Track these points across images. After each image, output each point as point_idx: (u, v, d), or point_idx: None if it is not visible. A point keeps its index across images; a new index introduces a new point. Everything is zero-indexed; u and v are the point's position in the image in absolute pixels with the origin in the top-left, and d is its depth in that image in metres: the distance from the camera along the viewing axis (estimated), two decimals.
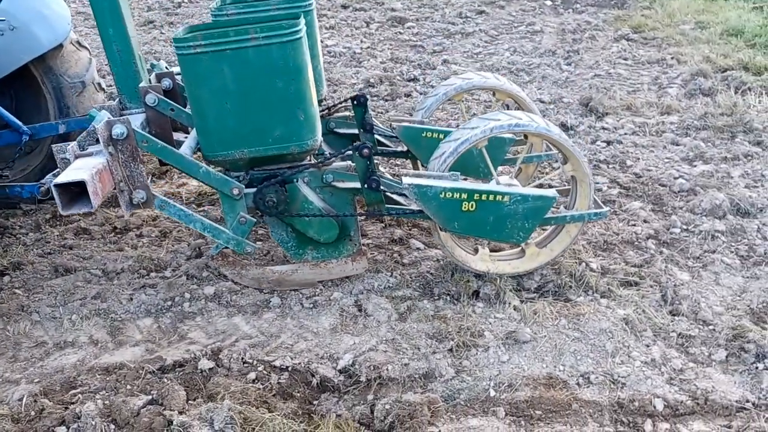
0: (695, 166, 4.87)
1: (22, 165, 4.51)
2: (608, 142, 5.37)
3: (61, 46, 4.28)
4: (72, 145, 3.16)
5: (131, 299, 3.55)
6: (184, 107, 3.74)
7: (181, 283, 3.67)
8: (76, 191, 2.91)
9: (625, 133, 5.54)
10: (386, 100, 6.56)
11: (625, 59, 7.55)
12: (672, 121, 5.69)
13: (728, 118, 5.52)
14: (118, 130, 3.01)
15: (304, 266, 3.54)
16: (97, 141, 3.05)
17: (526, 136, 3.99)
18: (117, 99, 3.85)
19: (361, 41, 8.76)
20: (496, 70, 7.34)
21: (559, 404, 2.82)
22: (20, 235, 4.31)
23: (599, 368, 3.01)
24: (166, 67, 4.09)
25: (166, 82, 3.89)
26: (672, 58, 7.36)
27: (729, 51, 7.26)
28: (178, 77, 4.04)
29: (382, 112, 6.22)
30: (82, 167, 2.97)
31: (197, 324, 3.39)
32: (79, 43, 4.48)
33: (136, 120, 3.63)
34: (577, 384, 2.94)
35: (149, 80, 3.87)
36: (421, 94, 6.74)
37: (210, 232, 3.33)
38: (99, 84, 4.57)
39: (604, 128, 5.66)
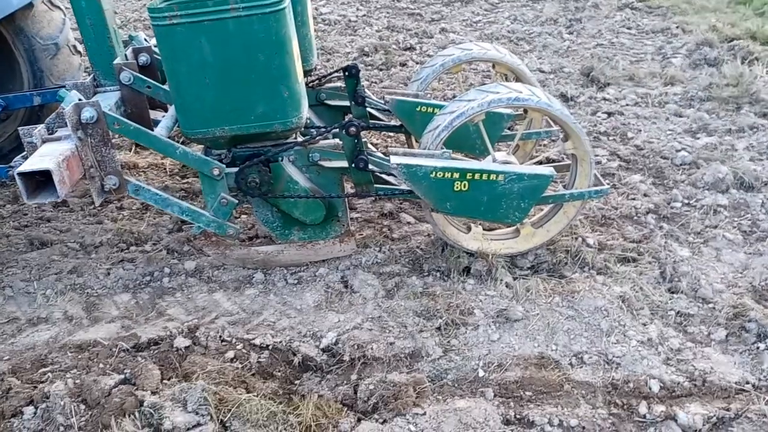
0: (698, 138, 4.70)
1: None
2: (609, 114, 5.19)
3: (31, 5, 4.04)
4: (39, 129, 2.98)
5: (108, 274, 3.41)
6: (163, 83, 3.56)
7: (161, 258, 3.53)
8: (42, 180, 2.75)
9: (627, 104, 5.35)
10: (381, 70, 6.36)
11: (629, 28, 7.33)
12: (675, 92, 5.50)
13: (734, 89, 5.32)
14: (88, 113, 2.84)
15: (291, 247, 3.40)
16: (66, 123, 2.88)
17: (525, 111, 3.81)
18: (91, 76, 3.65)
19: (357, 9, 8.52)
20: (496, 39, 7.12)
21: (550, 385, 2.70)
22: None
23: (593, 348, 2.88)
24: (145, 40, 3.88)
25: (143, 58, 3.69)
26: (677, 27, 7.13)
27: (736, 20, 7.03)
28: (157, 50, 3.85)
29: (376, 82, 6.02)
30: (48, 153, 2.79)
31: (176, 300, 3.26)
32: (51, 2, 4.25)
33: (111, 99, 3.45)
34: (570, 364, 2.81)
35: (125, 55, 3.67)
36: (417, 63, 6.53)
37: (189, 216, 3.17)
38: (74, 46, 4.34)
39: (605, 99, 5.48)
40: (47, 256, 3.56)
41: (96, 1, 3.41)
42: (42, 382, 2.66)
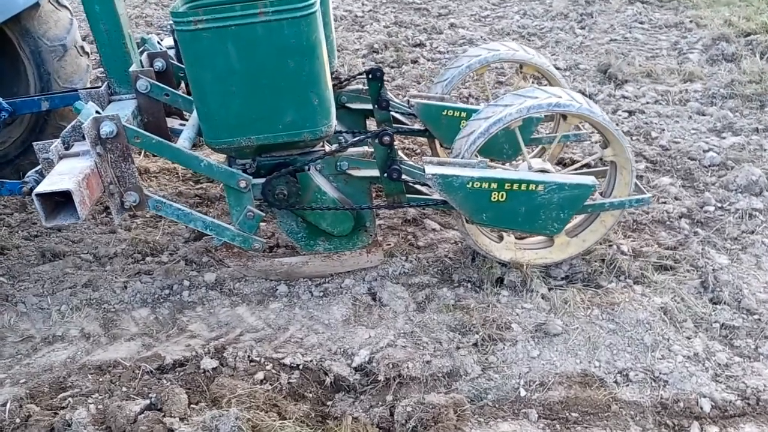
0: (724, 137, 4.57)
1: (2, 137, 4.16)
2: (630, 112, 5.06)
3: (37, 5, 3.86)
4: (56, 144, 2.83)
5: (125, 287, 3.26)
6: (178, 88, 3.40)
7: (180, 269, 3.39)
8: (61, 200, 2.60)
9: (648, 102, 5.22)
10: (392, 67, 6.20)
11: (641, 23, 7.18)
12: (696, 89, 5.37)
13: (756, 86, 5.20)
14: (108, 128, 2.69)
15: (316, 258, 3.26)
16: (84, 137, 2.72)
17: (565, 118, 3.64)
18: (105, 83, 3.49)
19: (363, 4, 8.35)
20: (507, 34, 6.97)
21: (596, 405, 2.58)
22: (4, 215, 4.00)
23: (638, 364, 2.76)
24: (158, 43, 3.73)
25: (159, 63, 3.54)
26: (690, 21, 6.99)
27: (751, 13, 6.89)
28: (171, 52, 3.70)
29: (388, 80, 5.86)
30: (66, 172, 2.64)
31: (198, 315, 3.12)
32: (58, 2, 4.07)
33: (127, 108, 3.30)
34: (615, 382, 2.69)
35: (140, 62, 3.51)
36: (428, 60, 6.38)
37: (213, 231, 3.02)
38: (82, 47, 4.16)
39: (624, 97, 5.34)
40: (60, 269, 3.41)
41: (111, 5, 3.24)
42: (63, 408, 2.52)
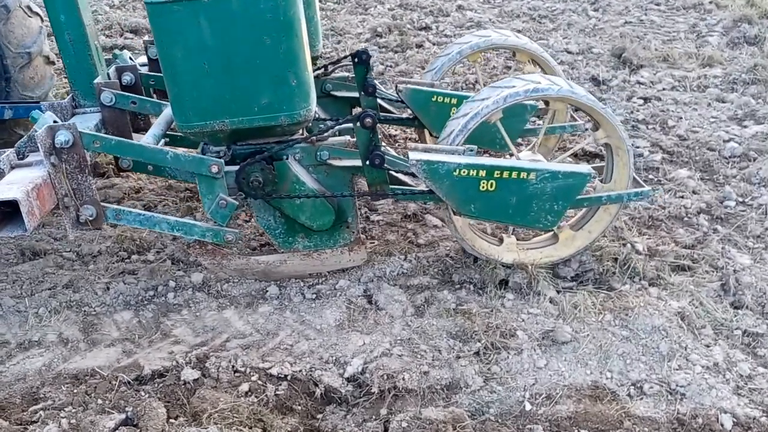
0: (746, 126, 4.32)
1: None
2: (645, 99, 4.81)
3: (7, 9, 3.68)
4: (8, 153, 2.68)
5: (108, 289, 3.08)
6: None
7: (166, 269, 3.20)
8: (9, 210, 2.45)
9: (664, 89, 4.97)
10: (396, 52, 5.96)
11: (658, 4, 6.89)
12: (715, 75, 5.10)
13: None
14: (63, 137, 2.54)
15: (294, 256, 3.07)
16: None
17: (547, 103, 3.44)
18: (69, 96, 3.34)
19: None
20: (517, 16, 6.70)
21: (608, 421, 2.38)
22: None
23: (653, 375, 2.55)
24: (130, 58, 3.56)
25: (128, 77, 3.39)
26: (710, 2, 6.70)
27: None
28: (143, 69, 3.54)
29: (391, 66, 5.64)
30: (16, 181, 2.49)
31: (183, 318, 2.94)
32: (29, 8, 3.86)
33: (90, 121, 3.16)
34: (629, 395, 2.49)
35: (107, 74, 3.35)
36: (434, 44, 6.13)
37: (180, 230, 2.87)
38: (47, 57, 3.95)
39: (639, 83, 5.09)
40: (40, 269, 3.24)
41: (76, 15, 3.08)
42: (33, 423, 2.35)
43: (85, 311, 2.99)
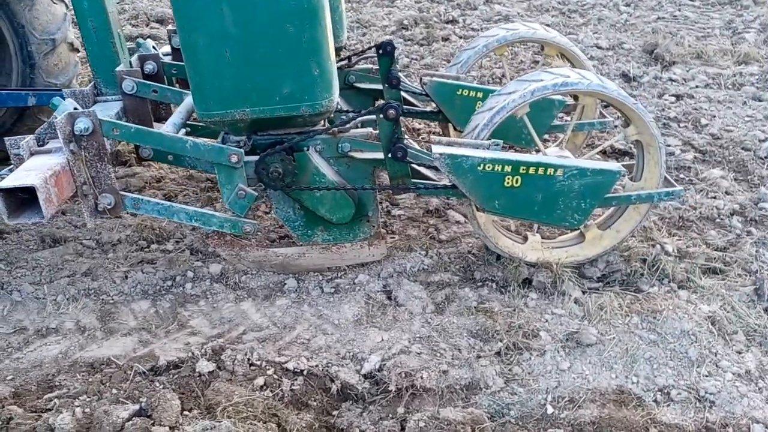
0: None
1: None
2: (678, 97, 4.67)
3: None
4: (28, 140, 2.65)
5: (126, 277, 3.07)
6: None
7: (184, 259, 3.18)
8: (27, 197, 2.42)
9: (697, 86, 4.82)
10: (421, 45, 5.88)
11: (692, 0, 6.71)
12: (752, 72, 4.94)
13: None
14: (82, 124, 2.51)
15: (313, 249, 3.02)
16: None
17: (576, 98, 3.35)
18: (91, 83, 3.31)
19: None
20: (546, 10, 6.57)
21: (633, 427, 2.29)
22: None
23: (681, 381, 2.46)
24: (153, 48, 3.54)
25: (150, 66, 3.37)
26: None
27: None
28: (166, 58, 3.51)
29: (416, 59, 5.56)
30: (35, 168, 2.46)
31: (200, 309, 2.91)
32: None
33: (111, 109, 3.13)
34: (655, 401, 2.40)
35: (130, 63, 3.32)
36: (460, 38, 6.04)
37: (198, 220, 2.83)
38: (72, 44, 3.95)
39: (671, 80, 4.95)
40: (60, 256, 3.23)
41: (100, 2, 3.08)
42: (48, 410, 2.33)
43: (102, 299, 2.98)
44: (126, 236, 3.40)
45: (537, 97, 2.75)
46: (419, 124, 4.44)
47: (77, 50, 4.03)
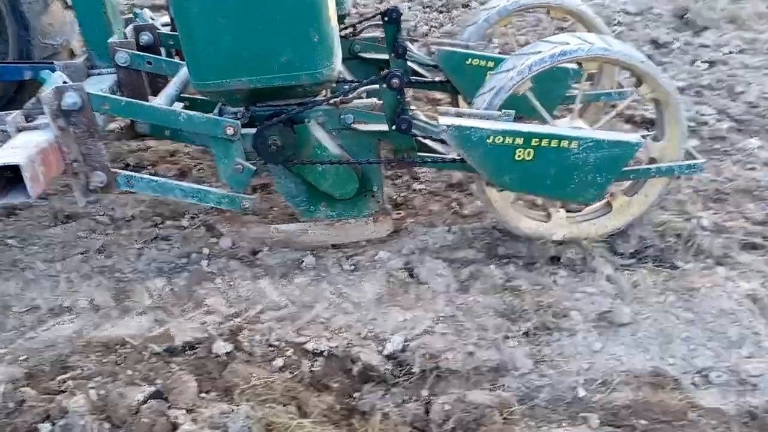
0: None
1: None
2: (711, 63, 4.47)
3: None
4: (14, 115, 2.54)
5: (141, 255, 2.99)
6: None
7: (199, 236, 3.09)
8: (12, 176, 2.30)
9: (731, 52, 4.61)
10: (441, 12, 5.69)
11: None
12: None
13: None
14: (70, 99, 2.40)
15: (316, 226, 2.93)
16: None
17: (580, 65, 3.16)
18: (84, 56, 3.18)
19: None
20: None
21: (670, 412, 2.17)
22: None
23: (721, 363, 2.33)
24: (151, 18, 3.39)
25: (146, 37, 3.22)
26: None
27: None
28: (164, 29, 3.37)
29: (436, 26, 5.38)
30: (21, 145, 2.35)
31: (216, 287, 2.82)
32: None
33: (105, 82, 3.00)
34: (693, 384, 2.28)
35: (124, 34, 3.18)
36: (480, 3, 5.83)
37: (195, 197, 2.73)
38: (65, 1, 3.77)
39: (703, 45, 4.74)
40: (73, 232, 3.16)
41: None
42: (62, 392, 2.27)
43: (117, 277, 2.90)
44: (140, 212, 3.32)
45: (536, 71, 2.58)
46: (440, 94, 4.29)
47: (72, 7, 3.87)
